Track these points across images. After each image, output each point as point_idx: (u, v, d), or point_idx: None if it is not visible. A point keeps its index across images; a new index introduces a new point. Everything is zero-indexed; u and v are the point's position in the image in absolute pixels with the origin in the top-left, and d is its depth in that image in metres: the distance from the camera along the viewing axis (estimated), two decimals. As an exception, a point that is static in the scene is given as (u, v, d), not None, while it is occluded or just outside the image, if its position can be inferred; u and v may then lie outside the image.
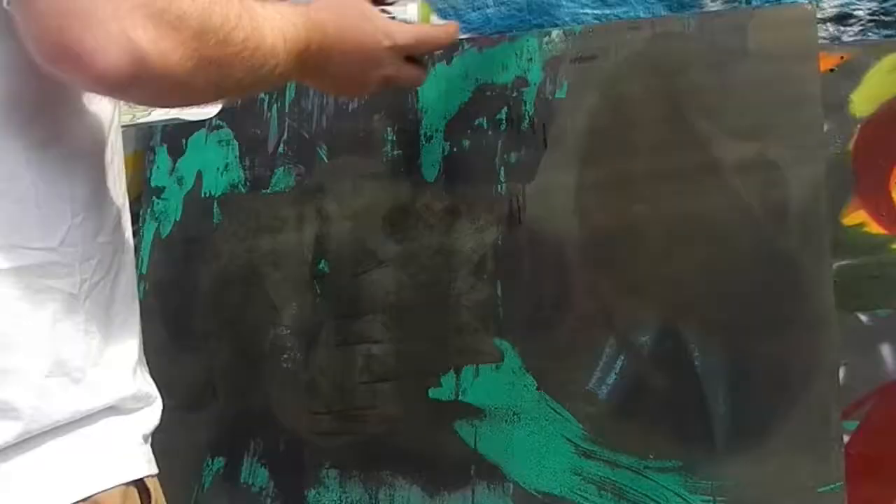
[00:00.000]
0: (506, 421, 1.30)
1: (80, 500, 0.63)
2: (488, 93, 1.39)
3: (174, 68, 0.56)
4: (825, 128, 1.24)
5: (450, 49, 1.41)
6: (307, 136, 1.47)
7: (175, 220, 1.54)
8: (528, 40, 1.38)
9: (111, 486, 0.66)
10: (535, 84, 1.36)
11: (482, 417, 1.31)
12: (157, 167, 1.58)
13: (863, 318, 1.21)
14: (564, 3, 1.43)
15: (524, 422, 1.29)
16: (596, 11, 1.41)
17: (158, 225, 1.55)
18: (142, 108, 0.94)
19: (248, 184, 1.49)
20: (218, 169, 1.52)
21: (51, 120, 0.62)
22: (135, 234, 1.03)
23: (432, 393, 1.34)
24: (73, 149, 0.64)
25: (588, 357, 1.27)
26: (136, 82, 0.55)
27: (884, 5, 1.28)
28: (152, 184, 1.58)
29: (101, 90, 0.58)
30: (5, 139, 0.59)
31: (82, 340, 0.63)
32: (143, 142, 1.61)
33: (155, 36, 0.54)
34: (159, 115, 1.02)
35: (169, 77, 0.56)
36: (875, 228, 1.23)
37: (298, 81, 0.75)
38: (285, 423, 1.38)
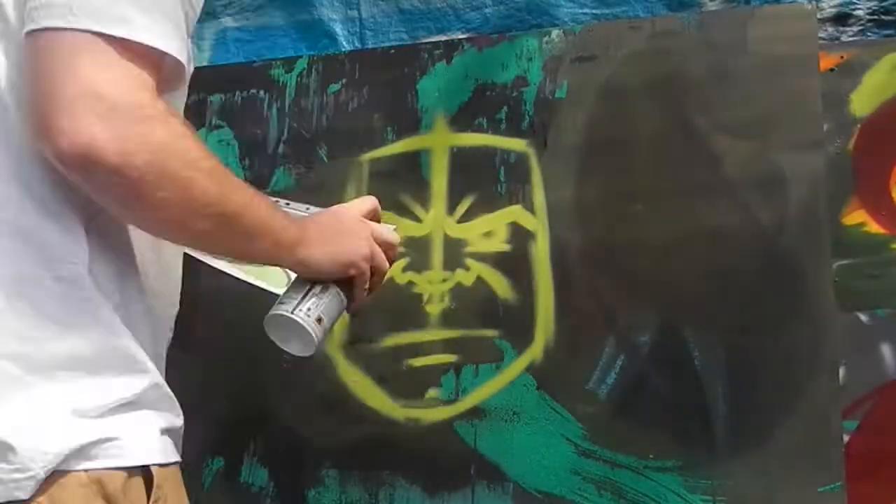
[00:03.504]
0: (506, 421, 1.30)
1: (93, 469, 0.77)
2: (488, 93, 1.38)
3: (127, 165, 0.73)
4: (825, 128, 1.24)
5: (450, 49, 1.42)
6: (307, 136, 1.47)
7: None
8: (527, 40, 1.38)
9: (116, 466, 0.78)
10: (535, 84, 1.36)
11: (482, 417, 1.31)
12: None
13: (863, 318, 1.21)
14: (564, 2, 1.43)
15: (524, 422, 1.29)
16: (595, 11, 1.41)
17: (158, 225, 1.55)
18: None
19: (248, 183, 1.48)
20: (217, 169, 1.52)
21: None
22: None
23: (432, 393, 1.34)
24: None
25: (588, 357, 1.27)
26: (86, 164, 0.72)
27: (883, 4, 1.28)
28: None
29: (64, 165, 0.74)
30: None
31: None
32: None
33: (114, 135, 0.72)
34: (229, 267, 1.04)
35: (118, 171, 0.73)
36: (875, 228, 1.23)
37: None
38: (285, 423, 1.38)
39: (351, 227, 0.98)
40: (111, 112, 0.72)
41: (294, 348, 0.94)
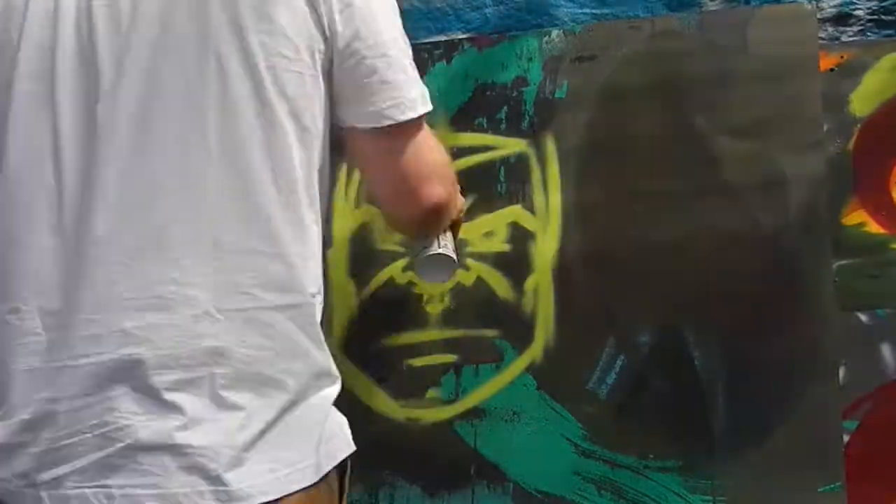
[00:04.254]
0: (506, 421, 1.30)
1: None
2: (488, 92, 1.38)
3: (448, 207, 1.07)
4: (825, 128, 1.24)
5: (450, 49, 1.42)
6: (307, 136, 1.46)
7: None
8: (527, 40, 1.38)
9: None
10: (535, 84, 1.36)
11: (482, 417, 1.31)
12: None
13: (863, 318, 1.21)
14: (564, 2, 1.42)
15: (524, 422, 1.29)
16: (595, 11, 1.41)
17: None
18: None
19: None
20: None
21: (326, 207, 1.01)
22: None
23: (432, 393, 1.34)
24: (326, 224, 1.00)
25: (588, 357, 1.27)
26: (439, 210, 1.04)
27: (883, 4, 1.28)
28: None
29: (421, 216, 1.05)
30: (313, 223, 0.94)
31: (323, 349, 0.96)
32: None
33: (445, 194, 1.03)
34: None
35: (446, 210, 1.07)
36: (875, 228, 1.23)
37: None
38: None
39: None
40: (445, 178, 1.04)
41: (439, 278, 1.22)
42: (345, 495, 0.97)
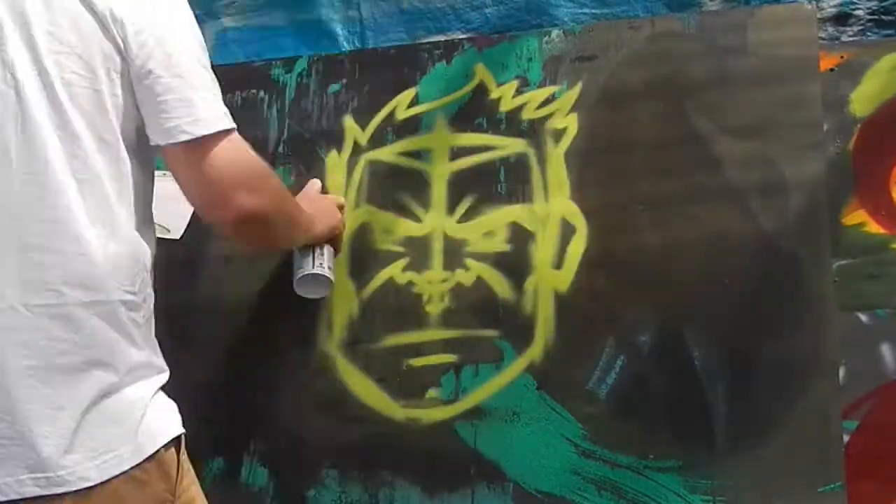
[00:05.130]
0: (506, 421, 1.30)
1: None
2: (488, 93, 1.38)
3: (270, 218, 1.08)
4: (825, 128, 1.24)
5: (450, 49, 1.42)
6: (307, 136, 1.47)
7: (174, 219, 1.53)
8: (527, 40, 1.38)
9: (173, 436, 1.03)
10: (535, 84, 1.36)
11: (482, 417, 1.31)
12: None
13: (863, 318, 1.21)
14: (564, 2, 1.43)
15: (524, 422, 1.29)
16: (595, 11, 1.41)
17: (158, 225, 1.54)
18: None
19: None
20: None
21: (148, 214, 1.07)
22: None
23: (432, 393, 1.34)
24: (149, 230, 1.07)
25: (588, 357, 1.27)
26: (255, 219, 1.05)
27: (883, 4, 1.29)
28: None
29: (234, 224, 1.06)
30: (138, 226, 1.03)
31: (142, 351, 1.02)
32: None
33: (259, 203, 1.04)
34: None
35: (267, 221, 1.08)
36: (875, 228, 1.23)
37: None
38: (285, 423, 1.38)
39: (327, 203, 1.33)
40: (260, 190, 1.05)
41: (317, 294, 1.32)
42: (182, 471, 1.04)
